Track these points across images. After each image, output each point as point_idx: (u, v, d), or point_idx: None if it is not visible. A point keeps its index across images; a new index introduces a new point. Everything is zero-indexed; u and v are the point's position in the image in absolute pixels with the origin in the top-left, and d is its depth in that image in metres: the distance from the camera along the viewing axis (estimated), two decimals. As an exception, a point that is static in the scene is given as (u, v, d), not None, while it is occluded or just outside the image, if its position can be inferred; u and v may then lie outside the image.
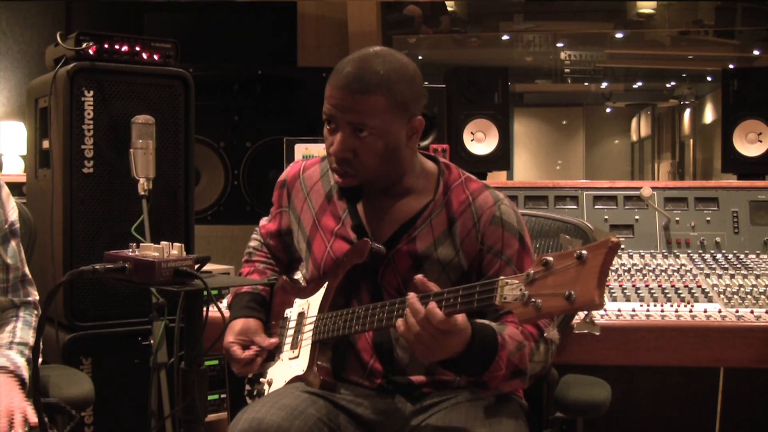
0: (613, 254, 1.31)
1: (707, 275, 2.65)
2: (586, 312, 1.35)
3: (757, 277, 2.63)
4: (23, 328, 1.95)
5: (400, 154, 1.80)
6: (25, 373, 1.86)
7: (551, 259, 1.36)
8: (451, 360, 1.61)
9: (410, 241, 1.81)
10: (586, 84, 11.55)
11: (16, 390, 1.81)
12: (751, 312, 2.41)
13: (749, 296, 2.50)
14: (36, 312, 2.02)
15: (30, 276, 2.03)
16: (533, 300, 1.38)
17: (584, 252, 1.31)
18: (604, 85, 11.77)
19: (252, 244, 2.14)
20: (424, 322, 1.55)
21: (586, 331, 1.35)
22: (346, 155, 1.75)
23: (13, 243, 1.98)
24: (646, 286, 2.58)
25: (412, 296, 1.59)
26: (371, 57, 1.74)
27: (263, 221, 2.13)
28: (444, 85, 3.52)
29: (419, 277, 1.60)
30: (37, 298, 2.04)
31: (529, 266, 1.43)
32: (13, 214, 2.00)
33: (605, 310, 2.41)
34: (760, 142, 3.37)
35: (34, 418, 1.75)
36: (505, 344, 1.66)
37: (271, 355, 1.93)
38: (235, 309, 1.98)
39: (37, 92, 2.69)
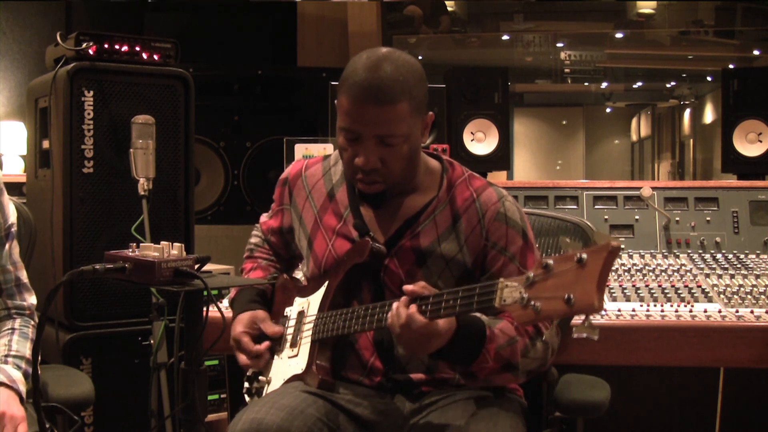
0: (613, 258, 1.30)
1: (707, 275, 2.65)
2: (584, 316, 1.34)
3: (757, 277, 2.63)
4: (19, 341, 1.91)
5: (419, 152, 1.83)
6: (22, 387, 1.82)
7: (551, 262, 1.36)
8: (436, 351, 1.63)
9: (414, 237, 1.82)
10: (586, 84, 11.55)
11: (15, 403, 1.78)
12: (751, 312, 2.41)
13: (749, 296, 2.50)
14: (33, 322, 1.97)
15: (26, 281, 2.00)
16: (532, 303, 1.37)
17: (584, 255, 1.31)
18: (604, 85, 11.76)
19: (253, 240, 2.15)
20: (405, 327, 1.57)
21: (584, 335, 1.34)
22: (375, 165, 1.75)
23: (7, 246, 1.96)
24: (646, 286, 2.58)
25: (399, 302, 1.61)
26: (383, 62, 1.72)
27: (263, 217, 2.13)
28: (444, 85, 3.52)
29: (406, 287, 1.61)
30: (34, 303, 2.00)
31: (532, 263, 1.44)
32: (11, 217, 1.99)
33: (605, 310, 2.41)
34: (760, 142, 3.36)
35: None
36: (494, 338, 1.67)
37: (271, 353, 1.93)
38: (240, 303, 1.98)
39: (37, 92, 2.69)
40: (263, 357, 1.90)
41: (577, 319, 1.36)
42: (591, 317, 1.34)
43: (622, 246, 2.86)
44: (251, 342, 1.90)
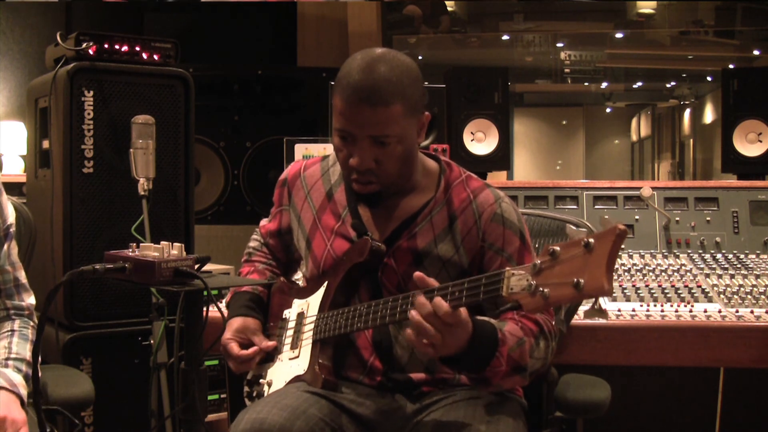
0: (620, 241, 1.30)
1: (707, 275, 2.65)
2: (593, 300, 1.35)
3: (757, 277, 2.63)
4: (19, 343, 1.90)
5: (415, 153, 1.83)
6: (23, 391, 1.81)
7: (558, 248, 1.36)
8: (452, 357, 1.61)
9: (411, 238, 1.82)
10: (586, 84, 11.56)
11: (16, 406, 1.77)
12: (751, 312, 2.41)
13: (749, 296, 2.50)
14: (32, 323, 1.97)
15: (25, 281, 1.99)
16: (541, 289, 1.37)
17: (591, 240, 1.31)
18: (604, 85, 11.78)
19: (252, 244, 2.15)
20: (431, 316, 1.55)
21: (596, 318, 1.35)
22: (369, 166, 1.75)
23: (6, 246, 1.96)
24: (646, 286, 2.58)
25: (418, 293, 1.59)
26: (377, 62, 1.72)
27: (263, 221, 2.13)
28: (444, 85, 3.52)
29: (418, 273, 1.61)
30: (33, 303, 1.99)
31: (529, 263, 1.43)
32: (10, 218, 1.98)
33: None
34: (760, 142, 3.36)
35: None
36: (506, 340, 1.67)
37: (270, 356, 1.93)
38: (233, 308, 1.98)
39: (37, 92, 2.69)
40: (252, 361, 1.90)
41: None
42: (600, 301, 1.34)
43: (623, 246, 2.86)
44: (237, 347, 1.89)
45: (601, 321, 1.31)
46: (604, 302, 2.48)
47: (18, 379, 1.83)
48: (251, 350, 1.89)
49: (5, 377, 1.81)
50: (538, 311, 1.61)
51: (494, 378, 1.67)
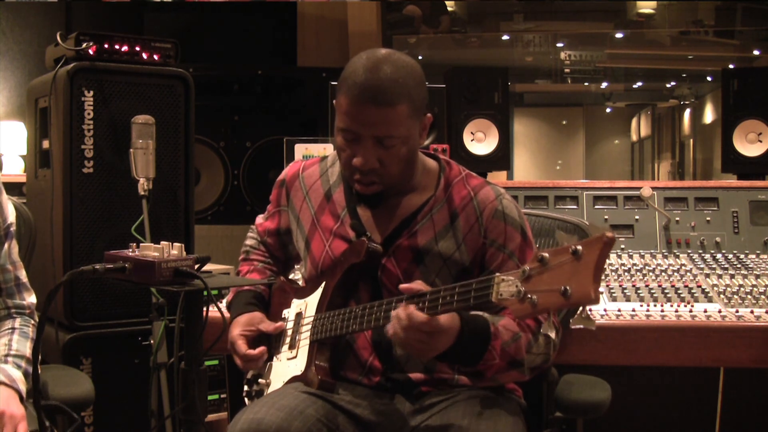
0: (608, 249, 1.30)
1: (707, 275, 2.65)
2: (582, 307, 1.35)
3: (757, 277, 2.63)
4: (19, 340, 1.91)
5: (417, 154, 1.83)
6: (22, 386, 1.82)
7: (547, 255, 1.36)
8: (443, 352, 1.62)
9: (411, 236, 1.82)
10: (586, 84, 11.56)
11: (15, 402, 1.78)
12: (751, 312, 2.41)
13: (749, 296, 2.50)
14: (33, 321, 1.97)
15: (25, 280, 2.00)
16: (529, 296, 1.37)
17: (579, 248, 1.31)
18: (604, 85, 11.78)
19: (249, 242, 2.14)
20: (410, 329, 1.56)
21: (581, 326, 1.35)
22: (373, 166, 1.75)
23: (6, 245, 1.96)
24: (646, 286, 2.58)
25: (397, 309, 1.60)
26: (382, 63, 1.72)
27: (259, 219, 2.13)
28: (444, 85, 3.52)
29: (403, 286, 1.62)
30: (33, 302, 2.00)
31: (518, 269, 1.43)
32: (10, 217, 1.98)
33: (605, 310, 2.41)
34: (760, 142, 3.36)
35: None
36: (499, 334, 1.68)
37: (270, 355, 1.93)
38: (238, 306, 1.98)
39: (37, 92, 2.69)
40: (259, 359, 1.89)
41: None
42: (588, 309, 1.34)
43: (623, 246, 2.86)
44: (245, 345, 1.89)
45: (588, 327, 1.32)
46: (603, 302, 2.48)
47: (17, 375, 1.83)
48: (258, 350, 1.88)
49: (4, 373, 1.81)
50: (526, 318, 1.62)
51: (488, 371, 1.69)
